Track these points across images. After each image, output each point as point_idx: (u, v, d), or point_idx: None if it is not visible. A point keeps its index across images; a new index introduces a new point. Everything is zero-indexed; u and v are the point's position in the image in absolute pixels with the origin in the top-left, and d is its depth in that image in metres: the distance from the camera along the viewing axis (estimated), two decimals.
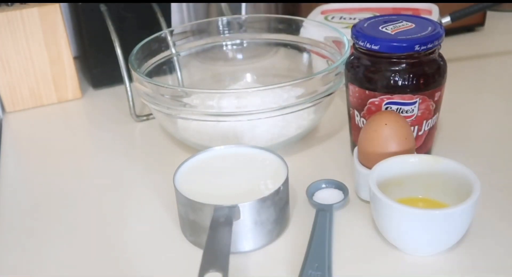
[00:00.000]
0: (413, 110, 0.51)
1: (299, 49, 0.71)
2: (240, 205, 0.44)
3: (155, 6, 0.73)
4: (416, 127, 0.52)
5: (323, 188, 0.53)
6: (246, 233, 0.45)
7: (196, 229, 0.46)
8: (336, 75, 0.57)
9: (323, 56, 0.67)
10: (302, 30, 0.71)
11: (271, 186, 0.47)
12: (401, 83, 0.50)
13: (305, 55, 0.71)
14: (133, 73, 0.59)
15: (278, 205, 0.46)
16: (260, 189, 0.47)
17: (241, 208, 0.44)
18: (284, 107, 0.54)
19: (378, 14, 0.70)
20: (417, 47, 0.49)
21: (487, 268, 0.43)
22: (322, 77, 0.56)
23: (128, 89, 0.68)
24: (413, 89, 0.50)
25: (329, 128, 0.65)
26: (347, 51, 0.59)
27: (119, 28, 0.70)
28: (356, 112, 0.54)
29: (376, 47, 0.49)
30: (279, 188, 0.46)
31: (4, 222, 0.52)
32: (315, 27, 0.69)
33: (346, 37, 0.61)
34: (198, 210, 0.45)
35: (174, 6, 0.88)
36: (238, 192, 0.47)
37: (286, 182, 0.47)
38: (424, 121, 0.52)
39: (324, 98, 0.56)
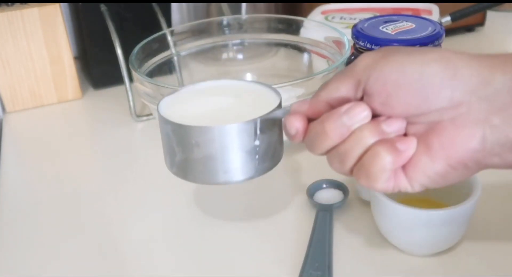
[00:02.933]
0: None
1: (299, 49, 0.71)
2: (232, 126, 0.39)
3: (155, 6, 0.73)
4: None
5: (324, 188, 0.53)
6: (236, 160, 0.40)
7: (183, 158, 0.41)
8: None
9: (323, 56, 0.67)
10: (302, 30, 0.71)
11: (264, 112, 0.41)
12: None
13: (305, 55, 0.71)
14: (134, 73, 0.59)
15: (270, 132, 0.41)
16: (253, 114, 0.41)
17: (234, 129, 0.39)
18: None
19: (378, 14, 0.70)
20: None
21: (487, 268, 0.43)
22: (322, 77, 0.56)
23: (128, 89, 0.68)
24: None
25: None
26: (347, 51, 0.59)
27: (119, 28, 0.70)
28: None
29: (376, 47, 0.49)
30: (273, 110, 0.40)
31: (4, 222, 0.52)
32: (315, 27, 0.69)
33: (347, 37, 0.61)
34: (185, 135, 0.40)
35: (174, 6, 0.88)
36: (230, 118, 0.41)
37: (279, 107, 0.42)
38: None
39: None
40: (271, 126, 0.40)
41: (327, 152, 0.35)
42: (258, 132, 0.40)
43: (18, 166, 0.63)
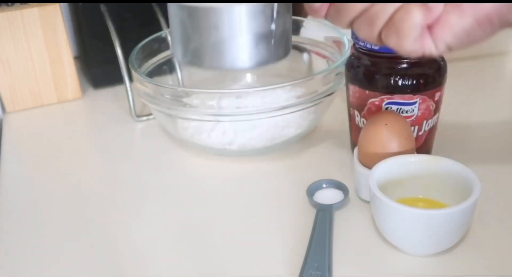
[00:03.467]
0: (413, 110, 0.51)
1: (299, 49, 0.71)
2: (253, 5, 0.39)
3: (155, 6, 0.73)
4: (416, 127, 0.52)
5: (323, 188, 0.53)
6: (253, 43, 0.40)
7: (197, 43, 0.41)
8: (336, 75, 0.57)
9: (323, 56, 0.67)
10: (302, 30, 0.71)
11: None
12: (401, 83, 0.50)
13: (305, 55, 0.71)
14: (134, 73, 0.59)
15: (284, 18, 0.43)
16: None
17: (254, 10, 0.39)
18: (284, 107, 0.54)
19: None
20: None
21: (487, 268, 0.43)
22: (322, 77, 0.56)
23: (128, 89, 0.68)
24: (413, 89, 0.50)
25: (329, 128, 0.65)
26: (347, 51, 0.59)
27: (119, 28, 0.70)
28: (356, 112, 0.54)
29: (376, 47, 0.49)
30: None
31: (4, 222, 0.52)
32: (315, 27, 0.69)
33: (346, 37, 0.61)
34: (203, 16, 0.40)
35: None
36: None
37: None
38: (424, 121, 0.52)
39: (324, 98, 0.56)
40: (285, 13, 0.42)
41: (354, 19, 0.36)
42: (275, 15, 0.40)
43: (18, 166, 0.63)
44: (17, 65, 0.71)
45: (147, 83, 0.57)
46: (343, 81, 0.57)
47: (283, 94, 0.55)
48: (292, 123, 0.58)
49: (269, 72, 0.74)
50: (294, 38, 0.71)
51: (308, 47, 0.70)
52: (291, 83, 0.54)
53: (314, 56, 0.70)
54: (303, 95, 0.55)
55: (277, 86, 0.54)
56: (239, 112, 0.55)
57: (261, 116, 0.55)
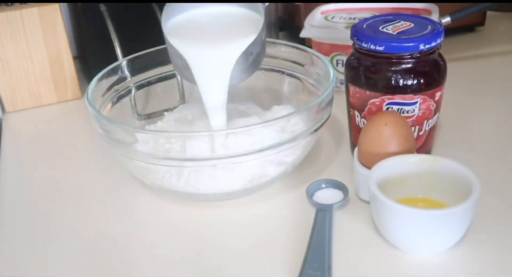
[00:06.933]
0: (414, 110, 0.51)
1: (277, 71, 0.64)
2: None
3: (155, 6, 0.73)
4: (417, 127, 0.52)
5: (323, 188, 0.53)
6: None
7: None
8: (319, 112, 0.51)
9: (301, 79, 0.62)
10: (303, 31, 0.71)
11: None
12: (402, 83, 0.50)
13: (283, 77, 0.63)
14: (91, 111, 0.52)
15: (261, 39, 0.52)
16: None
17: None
18: (262, 150, 0.48)
19: (377, 14, 0.70)
20: (421, 46, 0.48)
21: (487, 268, 0.43)
22: (307, 113, 0.50)
23: None
24: (414, 89, 0.50)
25: (329, 128, 0.64)
26: (332, 82, 0.53)
27: (119, 28, 0.70)
28: (356, 113, 0.54)
29: (381, 48, 0.49)
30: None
31: (3, 222, 0.52)
32: (316, 28, 0.69)
33: (332, 68, 0.55)
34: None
35: None
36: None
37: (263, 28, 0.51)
38: (425, 121, 0.52)
39: (307, 136, 0.51)
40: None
41: None
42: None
43: (17, 166, 0.63)
44: (17, 65, 0.71)
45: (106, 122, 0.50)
46: (329, 113, 0.53)
47: (263, 130, 0.49)
48: (273, 163, 0.52)
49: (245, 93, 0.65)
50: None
51: (285, 70, 0.63)
52: (267, 122, 0.48)
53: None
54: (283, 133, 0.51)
55: (252, 127, 0.49)
56: (211, 157, 0.48)
57: (236, 160, 0.48)
